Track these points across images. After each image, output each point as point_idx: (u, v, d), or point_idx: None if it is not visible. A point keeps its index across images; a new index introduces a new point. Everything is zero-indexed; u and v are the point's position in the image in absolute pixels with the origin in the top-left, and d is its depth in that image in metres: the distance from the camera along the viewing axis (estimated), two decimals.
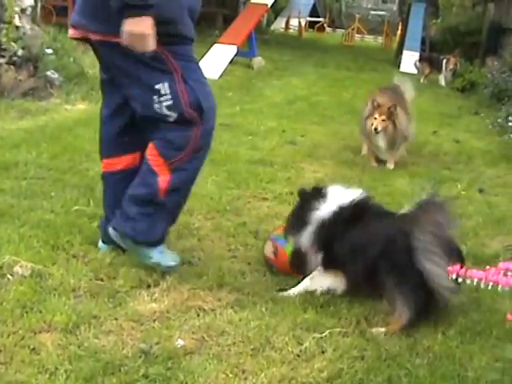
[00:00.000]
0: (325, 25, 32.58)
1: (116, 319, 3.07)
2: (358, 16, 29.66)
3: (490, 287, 2.11)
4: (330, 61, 16.75)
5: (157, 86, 3.28)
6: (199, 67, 3.50)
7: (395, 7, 36.95)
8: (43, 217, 4.17)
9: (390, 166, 6.52)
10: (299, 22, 27.95)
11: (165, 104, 3.30)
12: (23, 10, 8.41)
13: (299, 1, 33.06)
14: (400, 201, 5.19)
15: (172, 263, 3.56)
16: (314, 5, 33.70)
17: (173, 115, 3.32)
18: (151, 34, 3.07)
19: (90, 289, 3.32)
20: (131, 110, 3.47)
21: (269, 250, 3.77)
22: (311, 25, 31.27)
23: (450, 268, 2.19)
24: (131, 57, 3.21)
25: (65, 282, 3.36)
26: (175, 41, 3.31)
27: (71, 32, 3.48)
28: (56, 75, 8.53)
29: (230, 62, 12.48)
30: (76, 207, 4.36)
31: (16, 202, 4.34)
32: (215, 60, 12.18)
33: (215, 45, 12.79)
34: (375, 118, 6.25)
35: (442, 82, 14.02)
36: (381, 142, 6.37)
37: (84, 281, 3.39)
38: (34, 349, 2.76)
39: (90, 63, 9.47)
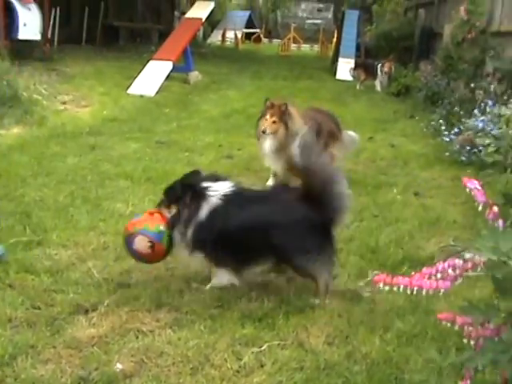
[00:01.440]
0: (261, 36, 32.83)
1: (54, 347, 3.04)
2: (293, 25, 29.92)
3: (414, 292, 2.17)
4: (267, 72, 16.87)
5: None
6: None
7: (330, 15, 37.46)
8: None
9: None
10: (235, 34, 28.11)
11: None
12: None
13: (235, 13, 33.33)
14: None
15: None
16: (250, 16, 33.93)
17: None
18: None
19: (27, 318, 3.29)
20: None
21: (143, 244, 3.64)
22: (248, 36, 31.48)
23: (375, 277, 2.24)
24: None
25: (0, 312, 3.31)
26: None
27: None
28: None
29: (166, 78, 12.45)
30: (12, 240, 4.25)
31: None
32: (151, 76, 12.15)
33: (151, 61, 12.74)
34: (266, 120, 5.74)
35: (378, 88, 14.23)
36: (267, 145, 5.81)
37: (20, 310, 3.35)
38: None
39: (24, 86, 9.38)
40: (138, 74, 12.17)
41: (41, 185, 5.56)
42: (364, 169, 6.90)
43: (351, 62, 16.07)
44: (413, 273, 2.20)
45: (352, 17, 19.46)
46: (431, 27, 15.54)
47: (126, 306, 3.45)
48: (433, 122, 8.87)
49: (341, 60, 16.81)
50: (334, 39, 22.92)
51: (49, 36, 14.85)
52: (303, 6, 39.75)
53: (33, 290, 3.57)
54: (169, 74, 12.59)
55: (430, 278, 2.21)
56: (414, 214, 5.34)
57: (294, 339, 3.20)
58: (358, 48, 18.14)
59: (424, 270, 2.22)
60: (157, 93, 11.65)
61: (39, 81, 10.79)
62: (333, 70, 17.20)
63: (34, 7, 13.09)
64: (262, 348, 3.08)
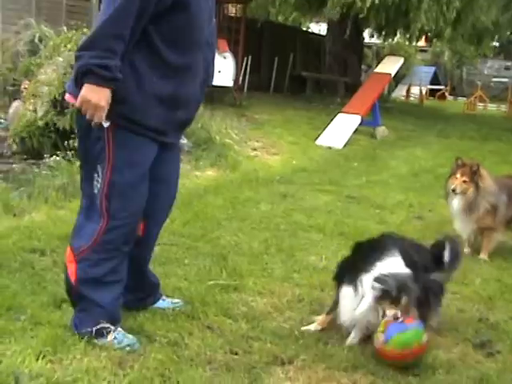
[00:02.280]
0: (446, 93, 32.27)
1: None
2: (479, 83, 29.21)
3: None
4: (453, 130, 16.52)
5: (98, 167, 3.27)
6: (142, 165, 3.35)
7: None
8: (177, 284, 4.31)
9: (483, 256, 5.73)
10: (420, 90, 27.85)
11: (97, 186, 3.29)
12: None
13: (420, 68, 33.04)
14: None
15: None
16: (435, 73, 33.55)
17: (96, 201, 3.30)
18: (105, 107, 3.04)
19: (226, 362, 3.36)
20: None
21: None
22: (432, 93, 31.07)
23: None
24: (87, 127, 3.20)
25: (200, 352, 3.42)
26: (124, 124, 3.21)
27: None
28: (185, 141, 8.79)
29: (354, 132, 12.55)
30: (211, 282, 4.42)
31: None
32: (339, 129, 12.31)
33: (339, 114, 12.92)
34: (456, 178, 5.64)
35: None
36: (457, 205, 5.70)
37: (220, 353, 3.44)
38: None
39: (217, 129, 9.81)
40: (327, 125, 12.36)
41: (236, 229, 5.75)
42: None
43: None
44: None
45: None
46: None
47: (323, 363, 3.43)
48: None
49: None
50: None
51: (239, 83, 15.47)
52: (489, 63, 38.70)
53: (231, 335, 3.66)
54: (357, 127, 12.70)
55: None
56: None
57: None
58: None
59: None
60: (345, 146, 11.76)
61: (230, 126, 11.23)
62: None
63: (229, 55, 13.73)
64: None
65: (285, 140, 11.50)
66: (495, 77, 36.84)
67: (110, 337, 3.40)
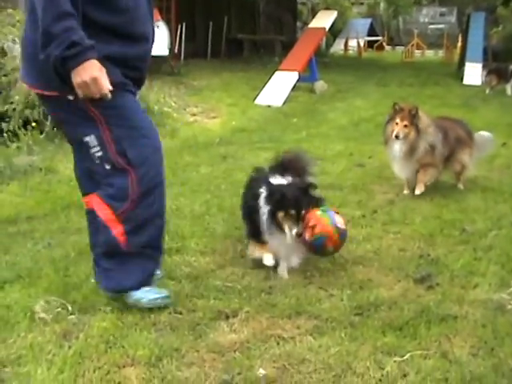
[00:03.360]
0: (384, 43, 32.46)
1: (197, 351, 3.11)
2: (416, 31, 29.43)
3: None
4: (392, 79, 16.67)
5: (85, 139, 3.27)
6: (132, 112, 3.37)
7: (454, 19, 36.56)
8: None
9: (417, 191, 5.85)
10: (358, 43, 27.95)
11: (97, 155, 3.28)
12: None
13: (356, 21, 33.15)
14: (473, 217, 5.14)
15: (155, 296, 3.53)
16: (372, 24, 33.68)
17: (106, 166, 3.30)
18: (101, 76, 3.04)
19: (170, 322, 3.39)
20: None
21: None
22: (370, 44, 31.21)
23: None
24: (60, 111, 3.28)
25: (145, 316, 3.43)
26: None
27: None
28: None
29: (293, 88, 12.55)
30: None
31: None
32: (278, 87, 12.32)
33: (276, 72, 12.91)
34: (396, 124, 5.69)
35: (509, 92, 13.76)
36: (399, 149, 5.76)
37: (164, 315, 3.46)
38: (119, 383, 2.84)
39: (155, 99, 9.72)
40: (265, 84, 12.35)
41: (177, 194, 5.74)
42: (499, 176, 6.66)
43: (478, 67, 15.63)
44: None
45: (478, 19, 18.82)
46: None
47: (266, 313, 3.48)
48: None
49: (468, 64, 16.37)
50: (459, 43, 22.38)
51: (176, 51, 15.31)
52: (425, 11, 38.93)
53: (175, 296, 3.66)
54: (295, 84, 12.70)
55: None
56: None
57: (436, 349, 3.11)
58: (485, 52, 17.59)
59: None
60: (284, 103, 11.78)
61: (169, 94, 11.17)
62: (459, 75, 16.78)
63: (161, 24, 13.53)
64: (405, 357, 3.01)
65: (224, 103, 11.47)
66: (431, 24, 37.13)
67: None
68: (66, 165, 6.54)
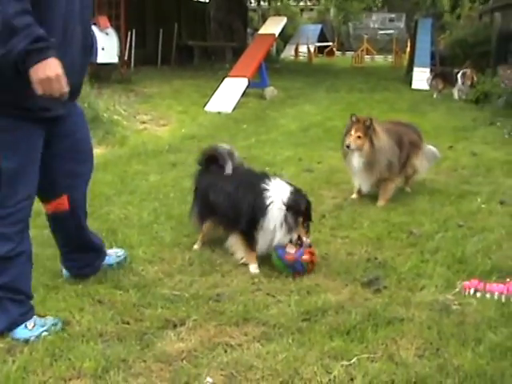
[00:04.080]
0: (334, 49, 32.79)
1: (144, 361, 3.08)
2: (366, 37, 29.80)
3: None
4: (342, 84, 16.82)
5: None
6: (27, 147, 3.24)
7: (402, 25, 37.10)
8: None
9: (381, 203, 5.81)
10: (308, 48, 28.16)
11: None
12: None
13: (307, 27, 33.41)
14: (421, 220, 5.21)
15: (41, 329, 3.34)
16: (322, 29, 33.98)
17: None
18: (63, 74, 2.94)
19: (118, 332, 3.35)
20: None
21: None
22: (320, 50, 31.49)
23: (466, 283, 2.19)
24: None
25: (92, 327, 3.39)
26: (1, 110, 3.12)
27: None
28: None
29: (243, 95, 12.56)
30: None
31: (40, 250, 4.34)
32: (227, 93, 12.31)
33: (226, 78, 12.91)
34: (351, 135, 5.66)
35: (456, 96, 13.98)
36: (357, 163, 5.74)
37: (110, 325, 3.42)
38: None
39: (104, 107, 9.63)
40: (215, 91, 12.34)
41: (125, 202, 5.70)
42: (446, 178, 6.77)
43: (426, 71, 15.86)
44: (508, 280, 2.14)
45: (425, 25, 19.24)
46: (508, 30, 15.20)
47: (214, 321, 3.47)
48: None
49: (416, 69, 16.64)
50: (408, 49, 22.72)
51: (125, 58, 15.21)
52: (374, 17, 39.45)
53: (122, 306, 3.63)
54: (245, 90, 12.71)
55: None
56: (500, 223, 5.19)
57: (383, 352, 3.14)
58: (432, 56, 17.89)
59: None
60: (234, 109, 11.77)
61: (118, 102, 11.07)
62: (408, 79, 17.02)
63: (111, 31, 13.42)
64: (352, 361, 3.04)
65: (174, 110, 11.42)
66: (381, 29, 37.61)
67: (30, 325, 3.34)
68: None
